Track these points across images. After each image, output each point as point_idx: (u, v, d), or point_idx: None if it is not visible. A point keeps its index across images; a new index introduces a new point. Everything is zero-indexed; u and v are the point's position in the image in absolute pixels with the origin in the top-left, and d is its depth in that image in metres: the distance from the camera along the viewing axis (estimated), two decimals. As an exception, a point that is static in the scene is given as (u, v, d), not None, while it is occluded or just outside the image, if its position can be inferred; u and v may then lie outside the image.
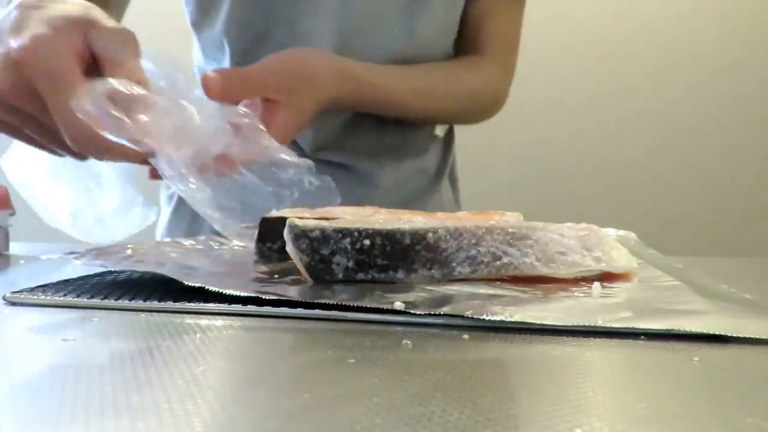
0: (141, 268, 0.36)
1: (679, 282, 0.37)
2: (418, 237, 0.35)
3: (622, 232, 0.59)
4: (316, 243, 0.35)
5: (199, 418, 0.18)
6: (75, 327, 0.29)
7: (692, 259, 0.53)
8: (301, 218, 0.36)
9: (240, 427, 0.17)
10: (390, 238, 0.35)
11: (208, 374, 0.22)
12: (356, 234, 0.35)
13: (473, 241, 0.36)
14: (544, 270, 0.37)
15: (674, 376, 0.23)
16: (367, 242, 0.35)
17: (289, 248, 0.35)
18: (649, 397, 0.20)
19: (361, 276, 0.35)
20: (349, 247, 0.35)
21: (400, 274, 0.35)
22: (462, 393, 0.20)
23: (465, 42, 0.77)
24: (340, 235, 0.35)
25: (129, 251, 0.41)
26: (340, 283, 0.35)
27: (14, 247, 0.61)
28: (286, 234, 0.35)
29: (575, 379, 0.22)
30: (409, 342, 0.26)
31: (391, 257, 0.35)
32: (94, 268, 0.38)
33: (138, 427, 0.17)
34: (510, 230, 0.37)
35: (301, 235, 0.35)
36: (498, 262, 0.36)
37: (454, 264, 0.36)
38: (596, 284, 0.36)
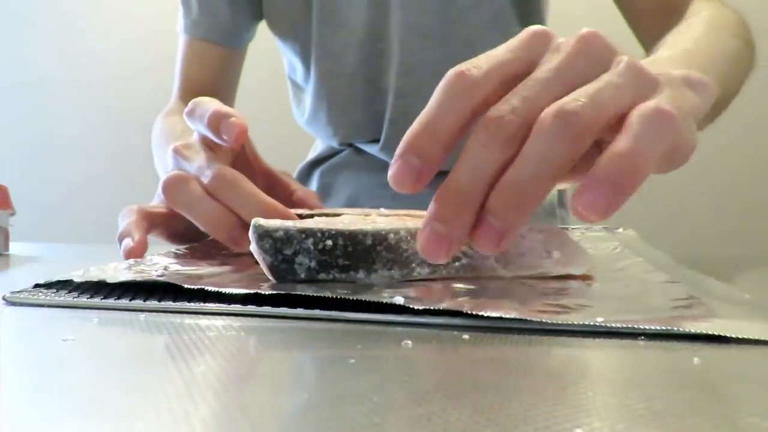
0: (140, 278, 0.36)
1: (678, 281, 0.37)
2: (380, 238, 0.35)
3: (621, 230, 0.59)
4: (279, 243, 0.35)
5: (198, 418, 0.18)
6: (75, 327, 0.29)
7: (692, 259, 0.53)
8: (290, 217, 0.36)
9: (240, 427, 0.17)
10: (352, 238, 0.35)
11: (208, 374, 0.22)
12: (319, 234, 0.35)
13: None
14: (502, 272, 0.37)
15: (674, 376, 0.23)
16: (329, 243, 0.35)
17: (253, 248, 0.35)
18: (649, 397, 0.20)
19: (322, 276, 0.35)
20: (312, 247, 0.35)
21: (361, 275, 0.35)
22: (462, 393, 0.20)
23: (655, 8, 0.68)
24: (304, 236, 0.35)
25: (128, 264, 0.40)
26: (339, 282, 0.35)
27: (14, 247, 0.61)
28: (251, 234, 0.35)
29: (575, 379, 0.22)
30: (409, 342, 0.26)
31: (352, 258, 0.35)
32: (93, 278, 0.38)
33: (138, 427, 0.17)
34: None
35: (264, 235, 0.35)
36: (457, 263, 0.37)
37: (413, 264, 0.36)
38: (596, 284, 0.35)
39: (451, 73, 0.30)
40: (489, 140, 0.28)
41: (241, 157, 0.52)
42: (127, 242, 0.45)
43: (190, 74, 0.82)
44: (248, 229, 0.35)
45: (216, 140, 0.46)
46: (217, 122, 0.45)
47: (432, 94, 0.28)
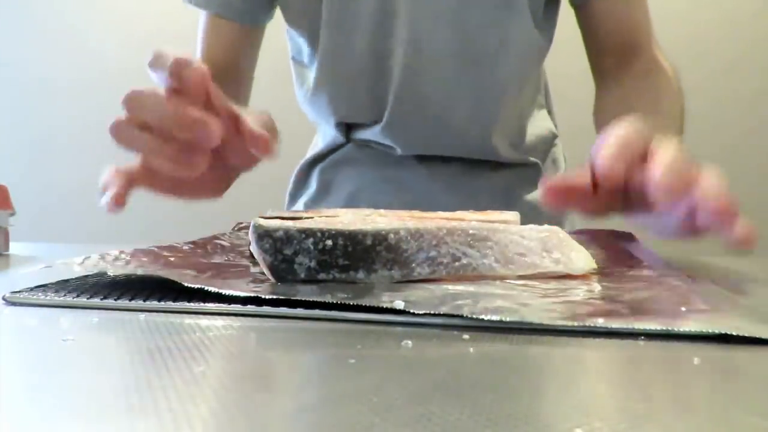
0: (141, 272, 0.36)
1: (679, 282, 0.37)
2: (380, 238, 0.35)
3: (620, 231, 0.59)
4: (279, 243, 0.35)
5: (199, 419, 0.18)
6: (74, 327, 0.29)
7: (692, 259, 0.53)
8: (268, 217, 0.36)
9: (240, 427, 0.17)
10: (352, 238, 0.35)
11: (208, 374, 0.22)
12: (319, 234, 0.35)
13: (434, 242, 0.36)
14: (502, 271, 0.37)
15: (674, 376, 0.23)
16: (329, 242, 0.35)
17: (253, 248, 0.35)
18: (649, 397, 0.20)
19: (322, 276, 0.35)
20: (312, 247, 0.35)
21: (361, 275, 0.35)
22: (462, 393, 0.20)
23: (612, 47, 0.78)
24: (303, 236, 0.35)
25: (128, 257, 0.41)
26: (339, 283, 0.35)
27: (14, 247, 0.61)
28: (251, 234, 0.35)
29: (575, 379, 0.22)
30: (409, 342, 0.26)
31: (352, 257, 0.35)
32: (93, 270, 0.38)
33: (138, 428, 0.17)
34: (471, 231, 0.37)
35: (264, 235, 0.35)
36: (457, 263, 0.37)
37: (413, 265, 0.36)
38: (596, 284, 0.35)
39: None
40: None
41: (207, 102, 0.50)
42: (107, 197, 0.45)
43: (209, 50, 0.82)
44: (190, 150, 0.35)
45: (178, 86, 0.45)
46: (178, 69, 0.45)
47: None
